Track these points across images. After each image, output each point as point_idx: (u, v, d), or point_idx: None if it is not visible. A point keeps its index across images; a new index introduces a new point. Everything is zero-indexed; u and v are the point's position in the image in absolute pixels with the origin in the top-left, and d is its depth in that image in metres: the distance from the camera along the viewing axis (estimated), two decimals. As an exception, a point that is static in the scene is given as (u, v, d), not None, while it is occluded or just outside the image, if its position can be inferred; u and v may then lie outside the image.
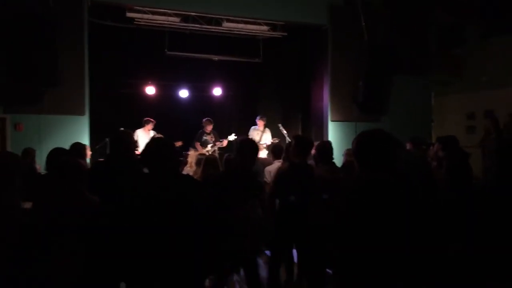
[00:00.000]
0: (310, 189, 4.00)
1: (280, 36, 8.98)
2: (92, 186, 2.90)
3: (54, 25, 6.64)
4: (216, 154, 8.03)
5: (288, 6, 8.33)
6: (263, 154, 8.12)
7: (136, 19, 7.90)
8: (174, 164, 2.41)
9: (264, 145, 8.51)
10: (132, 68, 9.41)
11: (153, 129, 8.50)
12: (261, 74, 10.36)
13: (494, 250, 2.27)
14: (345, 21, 8.54)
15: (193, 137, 8.55)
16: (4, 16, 6.29)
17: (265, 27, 8.78)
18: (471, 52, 10.05)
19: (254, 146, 3.72)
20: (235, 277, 5.37)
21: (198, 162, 5.49)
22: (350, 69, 8.55)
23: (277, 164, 5.45)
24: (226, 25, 8.43)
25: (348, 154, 6.22)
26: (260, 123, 8.73)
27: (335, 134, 8.62)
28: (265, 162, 6.17)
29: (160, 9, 7.82)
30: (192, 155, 6.01)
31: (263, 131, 8.75)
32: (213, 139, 8.45)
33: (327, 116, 8.74)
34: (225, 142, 8.55)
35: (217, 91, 10.17)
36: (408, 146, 6.13)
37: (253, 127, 8.82)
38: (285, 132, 8.47)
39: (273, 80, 10.58)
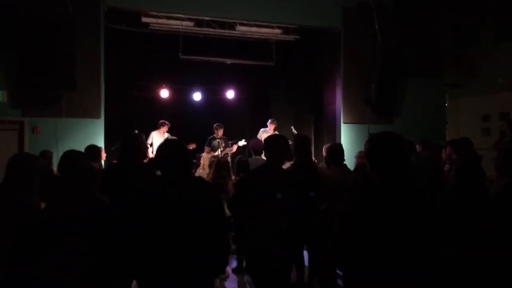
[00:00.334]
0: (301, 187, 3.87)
1: (293, 39, 9.02)
2: (104, 187, 2.99)
3: (71, 30, 6.81)
4: (228, 159, 8.12)
5: (301, 10, 8.35)
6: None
7: (151, 24, 8.04)
8: (186, 166, 2.44)
9: None
10: (147, 71, 9.58)
11: (167, 131, 8.63)
12: (274, 77, 10.41)
13: (494, 253, 2.28)
14: (358, 23, 8.53)
15: (205, 140, 8.66)
16: (23, 21, 6.47)
17: (278, 31, 8.84)
18: (485, 54, 9.94)
19: (282, 142, 3.47)
20: (246, 278, 5.43)
21: (210, 164, 5.57)
22: (363, 72, 8.53)
23: (287, 165, 5.49)
24: (239, 28, 8.51)
25: (360, 156, 6.22)
26: (271, 126, 8.68)
27: (347, 136, 8.62)
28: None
29: (175, 14, 7.95)
30: (204, 157, 6.09)
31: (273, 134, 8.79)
32: (223, 145, 8.47)
33: (339, 118, 8.73)
34: (235, 148, 8.60)
35: (230, 94, 10.25)
36: (418, 148, 6.12)
37: (263, 129, 8.82)
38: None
39: (286, 82, 10.63)
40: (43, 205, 2.97)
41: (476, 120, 10.48)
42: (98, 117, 7.39)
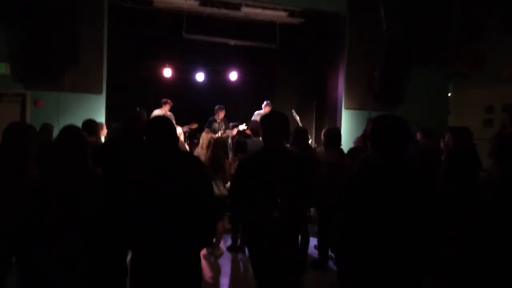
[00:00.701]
0: None
1: (297, 22, 8.97)
2: (102, 160, 3.04)
3: (76, 6, 6.82)
4: (229, 139, 8.14)
5: (307, -8, 8.30)
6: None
7: (155, 2, 8.01)
8: (170, 141, 2.48)
9: None
10: (150, 49, 9.55)
11: (170, 110, 8.65)
12: (277, 60, 10.37)
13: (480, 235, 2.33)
14: (364, 9, 8.46)
15: (207, 120, 8.67)
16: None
17: (283, 13, 8.77)
18: (491, 46, 9.84)
19: (281, 119, 3.08)
20: (240, 256, 5.52)
21: (208, 144, 5.61)
22: (367, 58, 8.50)
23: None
24: (244, 10, 8.45)
25: (357, 141, 6.28)
26: (266, 109, 8.52)
27: (348, 122, 8.63)
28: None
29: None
30: (204, 137, 6.12)
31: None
32: (223, 127, 8.44)
33: (341, 104, 8.73)
34: (235, 131, 8.57)
35: (233, 76, 10.23)
36: (418, 136, 6.14)
37: (257, 111, 8.70)
38: (298, 118, 8.52)
39: (289, 66, 10.58)
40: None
41: (479, 111, 10.43)
42: (100, 92, 7.44)
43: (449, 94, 10.10)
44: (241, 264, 5.34)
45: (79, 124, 4.53)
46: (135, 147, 3.36)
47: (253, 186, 2.81)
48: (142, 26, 8.92)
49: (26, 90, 7.07)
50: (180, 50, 9.41)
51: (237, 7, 8.37)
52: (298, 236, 3.31)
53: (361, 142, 5.92)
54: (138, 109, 7.70)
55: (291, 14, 8.80)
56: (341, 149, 5.25)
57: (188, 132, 8.84)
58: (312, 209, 5.64)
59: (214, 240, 5.34)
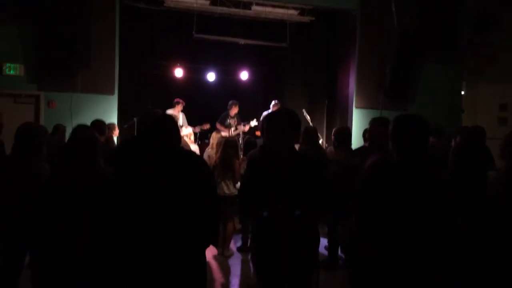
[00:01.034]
0: None
1: (308, 20, 8.92)
2: (115, 160, 3.07)
3: (87, 7, 6.91)
4: (240, 139, 8.16)
5: (317, -10, 8.26)
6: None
7: (165, 1, 8.05)
8: (171, 139, 2.47)
9: None
10: (161, 49, 9.61)
11: (182, 110, 8.69)
12: (288, 58, 10.35)
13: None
14: (375, 6, 8.37)
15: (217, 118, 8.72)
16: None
17: (293, 11, 8.74)
18: (506, 42, 9.67)
19: (290, 116, 2.87)
20: (250, 256, 5.52)
21: (218, 144, 5.63)
22: (378, 56, 8.42)
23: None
24: (255, 8, 8.44)
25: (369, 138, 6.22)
26: (275, 109, 8.41)
27: (359, 121, 8.56)
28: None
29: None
30: (214, 137, 6.13)
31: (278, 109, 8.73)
32: (236, 123, 8.50)
33: (352, 102, 8.67)
34: (247, 127, 8.62)
35: (244, 75, 10.24)
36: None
37: (266, 112, 8.61)
38: (308, 117, 8.50)
39: (300, 65, 10.55)
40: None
41: (493, 109, 10.27)
42: (112, 93, 7.51)
43: (462, 92, 9.93)
44: (251, 264, 5.35)
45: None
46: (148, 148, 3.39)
47: (257, 186, 2.74)
48: (153, 26, 8.99)
49: (39, 91, 7.18)
50: (191, 50, 9.46)
51: (247, 5, 8.38)
52: (312, 237, 2.96)
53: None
54: (149, 107, 7.80)
55: (302, 12, 8.77)
56: (351, 149, 5.22)
57: (200, 133, 8.88)
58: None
59: (223, 240, 5.37)
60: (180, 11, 8.30)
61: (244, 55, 9.93)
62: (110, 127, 6.21)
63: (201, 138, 9.09)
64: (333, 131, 5.50)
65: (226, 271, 5.06)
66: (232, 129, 8.37)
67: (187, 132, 6.73)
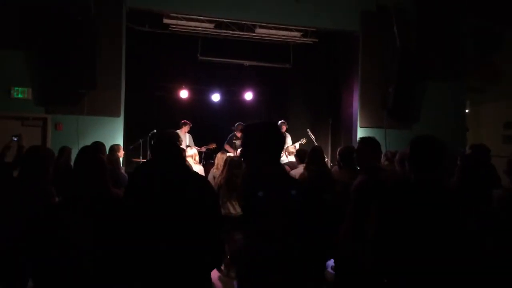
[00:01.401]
0: None
1: (311, 42, 9.05)
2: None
3: (94, 31, 7.04)
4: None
5: (320, 13, 8.38)
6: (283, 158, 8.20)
7: (171, 25, 8.21)
8: (175, 159, 2.48)
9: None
10: (167, 72, 9.76)
11: (188, 132, 8.76)
12: (292, 79, 10.47)
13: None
14: (377, 27, 8.49)
15: (224, 139, 8.77)
16: (48, 22, 6.72)
17: (296, 33, 8.88)
18: (509, 59, 9.72)
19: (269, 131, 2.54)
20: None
21: (223, 164, 5.65)
22: (381, 76, 8.49)
23: (301, 168, 5.51)
24: (258, 31, 8.59)
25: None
26: (282, 128, 8.64)
27: (364, 140, 8.55)
28: (291, 166, 6.27)
29: (195, 16, 8.09)
30: (219, 158, 6.17)
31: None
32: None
33: (356, 122, 8.71)
34: None
35: (248, 96, 10.34)
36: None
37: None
38: (313, 137, 8.53)
39: (303, 85, 10.65)
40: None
41: (497, 127, 10.25)
42: (118, 115, 7.58)
43: (467, 111, 9.94)
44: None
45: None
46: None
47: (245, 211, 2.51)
48: (158, 49, 9.15)
49: (47, 114, 7.27)
50: (196, 71, 9.60)
51: (251, 28, 8.53)
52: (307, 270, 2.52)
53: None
54: (154, 131, 7.86)
55: (305, 34, 8.90)
56: (356, 168, 5.21)
57: (205, 153, 8.92)
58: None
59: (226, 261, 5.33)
60: (185, 34, 8.46)
61: (249, 76, 10.06)
62: (116, 148, 6.26)
63: (206, 159, 9.13)
64: (338, 150, 5.50)
65: (231, 292, 5.02)
66: (239, 150, 8.41)
67: (191, 152, 6.75)
